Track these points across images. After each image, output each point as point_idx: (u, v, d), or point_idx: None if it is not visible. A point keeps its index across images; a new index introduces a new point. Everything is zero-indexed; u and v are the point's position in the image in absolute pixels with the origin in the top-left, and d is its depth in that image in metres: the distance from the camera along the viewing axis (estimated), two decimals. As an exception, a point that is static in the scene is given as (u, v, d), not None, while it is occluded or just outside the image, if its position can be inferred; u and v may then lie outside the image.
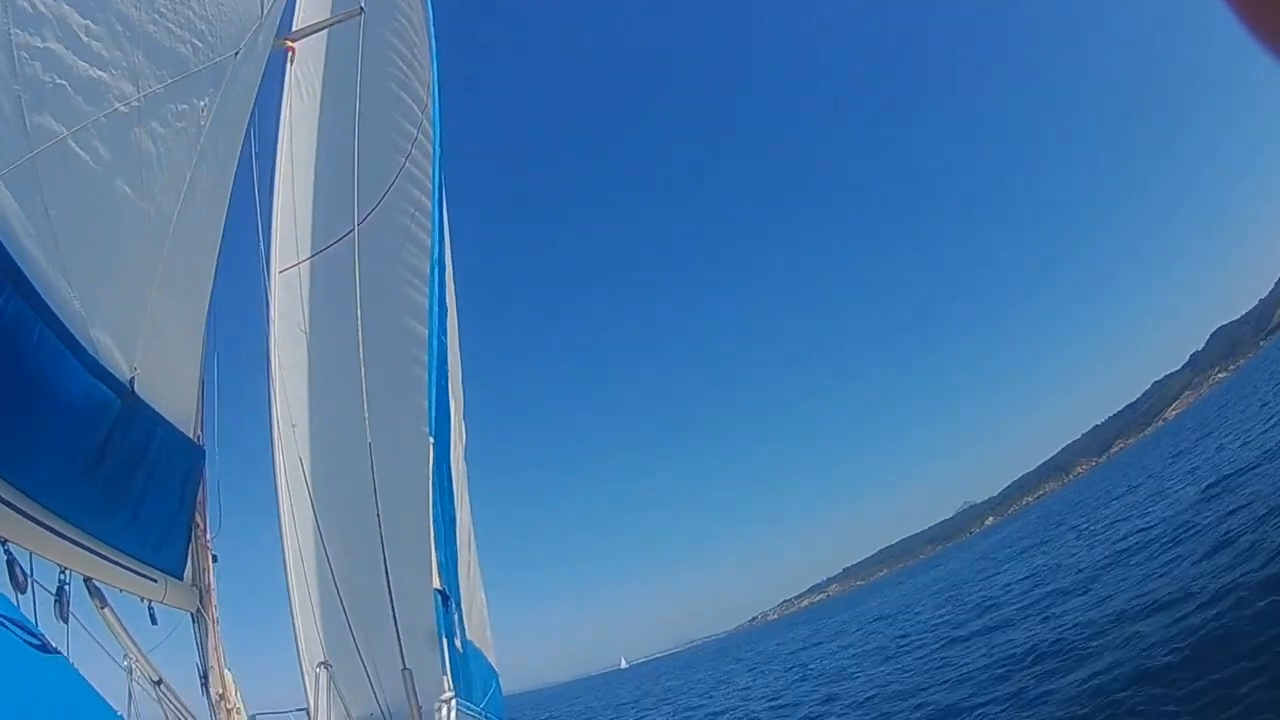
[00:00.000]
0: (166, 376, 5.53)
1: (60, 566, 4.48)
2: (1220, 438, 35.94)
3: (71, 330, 4.26)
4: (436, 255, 6.59)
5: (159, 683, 5.83)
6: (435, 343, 6.13)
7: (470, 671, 6.34)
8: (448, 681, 5.52)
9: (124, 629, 5.39)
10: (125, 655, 5.56)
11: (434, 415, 5.96)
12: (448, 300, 6.62)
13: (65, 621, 4.62)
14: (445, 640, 5.75)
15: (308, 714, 8.52)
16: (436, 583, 5.76)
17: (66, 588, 4.60)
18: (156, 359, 5.26)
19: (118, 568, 5.14)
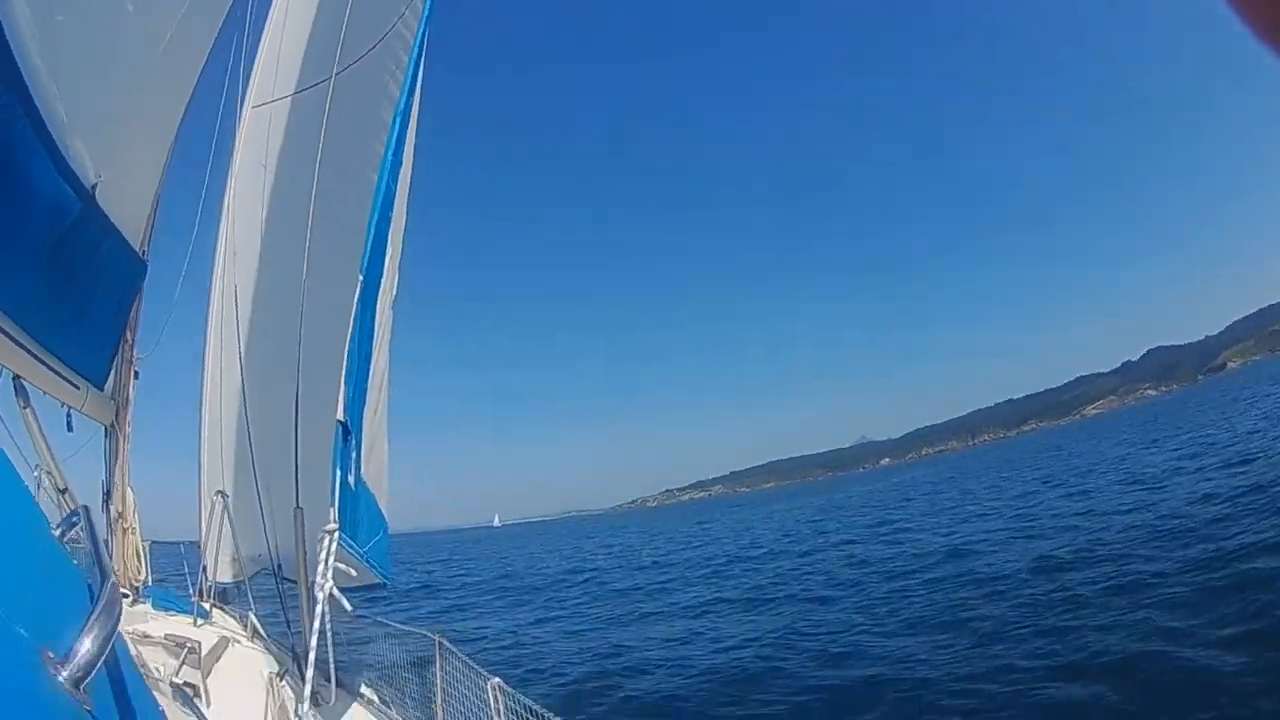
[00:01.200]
0: (126, 189, 5.48)
1: (-8, 362, 4.48)
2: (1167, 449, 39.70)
3: (50, 129, 4.20)
4: (402, 106, 6.49)
5: (64, 491, 5.86)
6: (383, 190, 6.09)
7: (359, 512, 6.33)
8: (334, 514, 5.36)
9: (41, 431, 5.41)
10: (36, 465, 5.58)
11: (368, 257, 5.93)
12: (404, 154, 6.56)
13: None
14: (339, 472, 5.63)
15: (198, 546, 8.62)
16: (340, 414, 5.71)
17: (-9, 382, 4.61)
18: (120, 170, 5.20)
19: (46, 369, 5.14)
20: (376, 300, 6.27)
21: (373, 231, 5.99)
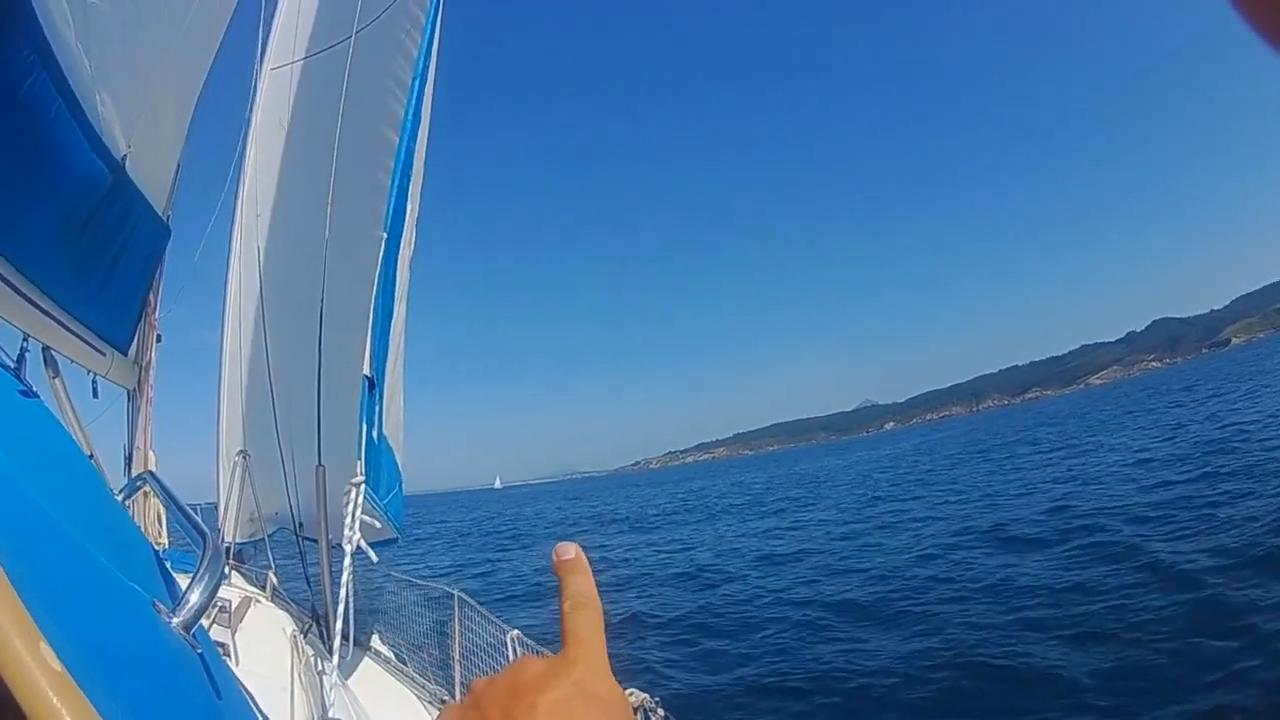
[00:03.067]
0: (152, 157, 5.47)
1: (24, 334, 4.50)
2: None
3: (83, 105, 4.21)
4: (420, 66, 6.46)
5: (90, 456, 5.92)
6: (404, 149, 6.09)
7: (381, 467, 6.36)
8: (360, 466, 5.46)
9: (69, 399, 5.46)
10: (65, 427, 5.63)
11: (390, 214, 5.95)
12: (423, 113, 6.56)
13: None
14: (365, 426, 5.71)
15: (216, 506, 8.69)
16: (366, 369, 5.77)
17: (26, 355, 4.63)
18: (147, 139, 5.19)
19: (75, 338, 5.17)
20: (398, 257, 6.29)
21: (394, 190, 6.00)
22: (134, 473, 6.96)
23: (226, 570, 7.72)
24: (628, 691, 4.67)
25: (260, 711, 2.21)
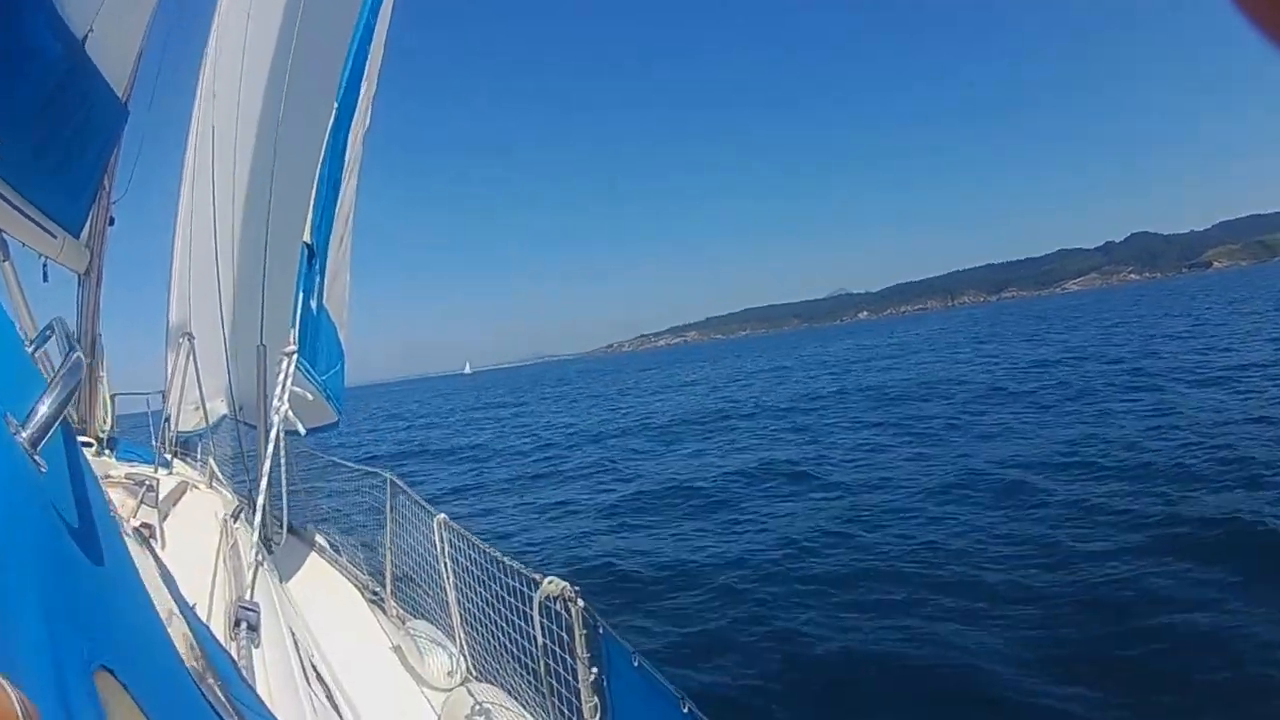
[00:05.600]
0: (114, 37, 5.31)
1: (-25, 216, 4.50)
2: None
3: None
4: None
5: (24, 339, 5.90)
6: (361, 27, 6.01)
7: (319, 340, 6.23)
8: (294, 335, 5.31)
9: (19, 283, 5.44)
10: (13, 313, 5.60)
11: (344, 85, 5.88)
12: None
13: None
14: (303, 295, 5.57)
15: (164, 395, 8.68)
16: (307, 236, 5.62)
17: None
18: (109, 19, 5.09)
19: (27, 220, 5.07)
20: (349, 129, 6.19)
21: (351, 59, 5.90)
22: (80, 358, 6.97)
23: (169, 458, 7.79)
24: (547, 580, 4.76)
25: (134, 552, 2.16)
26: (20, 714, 0.73)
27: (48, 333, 2.24)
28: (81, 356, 1.44)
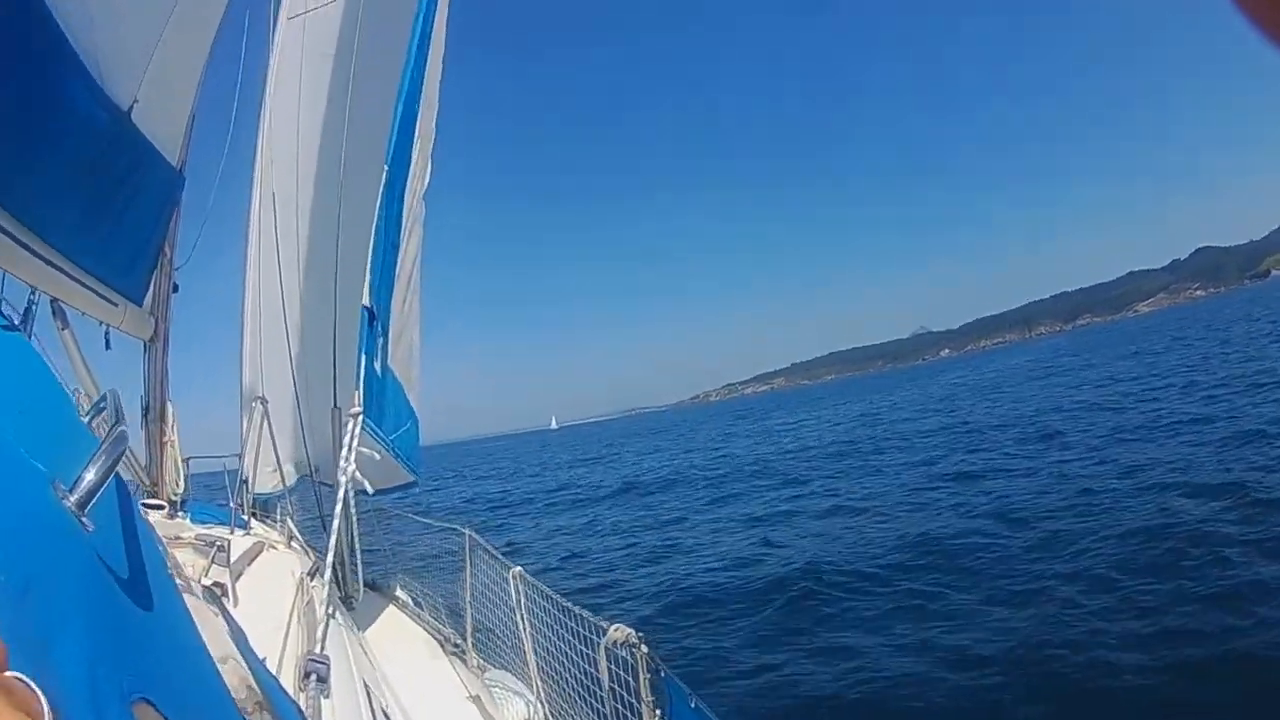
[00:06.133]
0: (162, 106, 5.41)
1: (31, 287, 4.57)
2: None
3: (82, 58, 4.20)
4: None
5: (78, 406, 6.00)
6: (409, 80, 6.05)
7: (385, 400, 6.30)
8: (358, 397, 5.38)
9: (79, 351, 5.52)
10: (74, 387, 5.69)
11: (393, 147, 5.92)
12: (431, 46, 6.45)
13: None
14: (363, 357, 5.66)
15: (239, 458, 8.79)
16: (366, 299, 5.69)
17: (34, 308, 4.70)
18: (156, 89, 5.15)
19: (84, 289, 5.16)
20: (405, 189, 6.24)
21: (397, 122, 5.96)
22: (150, 425, 7.07)
23: (246, 519, 7.87)
24: (613, 626, 4.85)
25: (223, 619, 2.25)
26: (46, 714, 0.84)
27: (102, 404, 2.33)
28: (125, 430, 1.58)
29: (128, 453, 1.94)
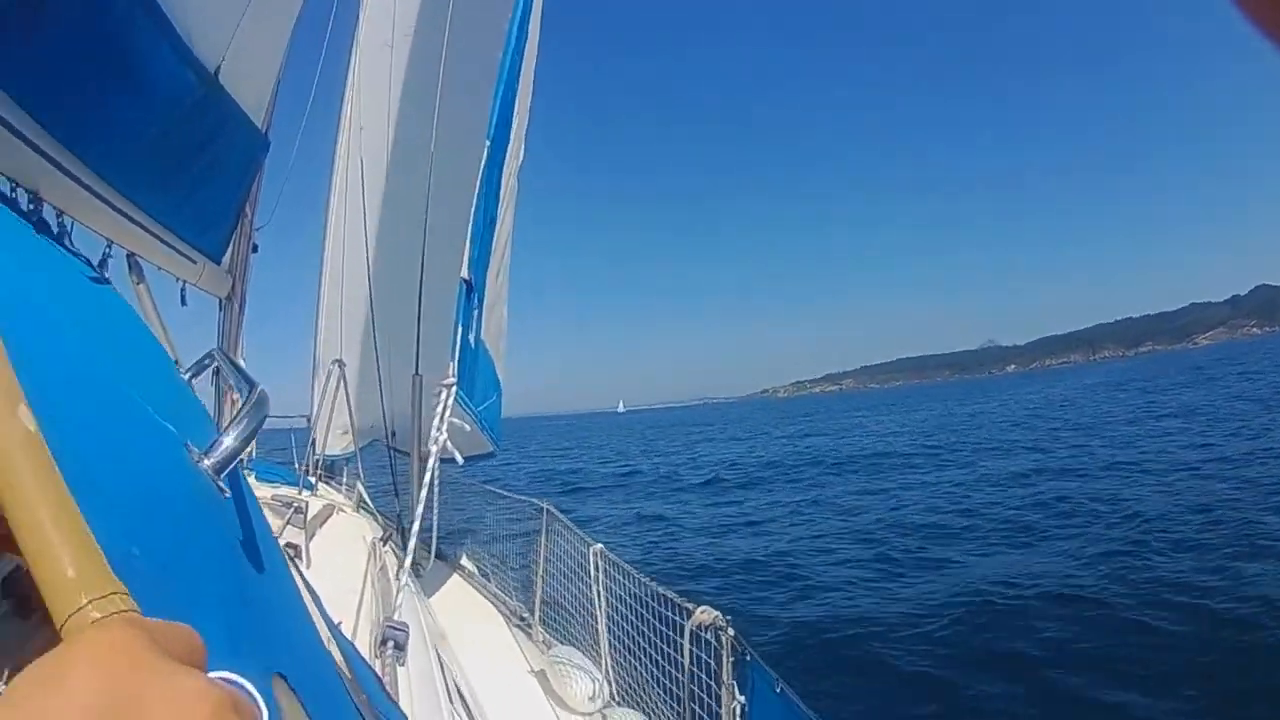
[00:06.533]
0: (250, 69, 5.44)
1: (107, 240, 4.57)
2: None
3: (168, 14, 4.20)
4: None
5: (176, 363, 6.03)
6: (509, 62, 6.02)
7: (476, 372, 6.32)
8: (453, 368, 5.39)
9: (154, 305, 5.54)
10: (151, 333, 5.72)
11: (494, 123, 5.90)
12: (530, 29, 6.47)
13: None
14: (461, 329, 5.69)
15: (308, 420, 8.86)
16: (464, 272, 5.75)
17: (109, 259, 4.69)
18: (244, 51, 5.16)
19: (163, 245, 5.28)
20: (503, 165, 6.25)
21: (498, 103, 5.95)
22: (221, 382, 7.14)
23: (313, 481, 7.92)
24: (700, 609, 4.82)
25: (306, 587, 2.21)
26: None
27: (207, 361, 2.50)
28: (266, 392, 1.59)
29: None
